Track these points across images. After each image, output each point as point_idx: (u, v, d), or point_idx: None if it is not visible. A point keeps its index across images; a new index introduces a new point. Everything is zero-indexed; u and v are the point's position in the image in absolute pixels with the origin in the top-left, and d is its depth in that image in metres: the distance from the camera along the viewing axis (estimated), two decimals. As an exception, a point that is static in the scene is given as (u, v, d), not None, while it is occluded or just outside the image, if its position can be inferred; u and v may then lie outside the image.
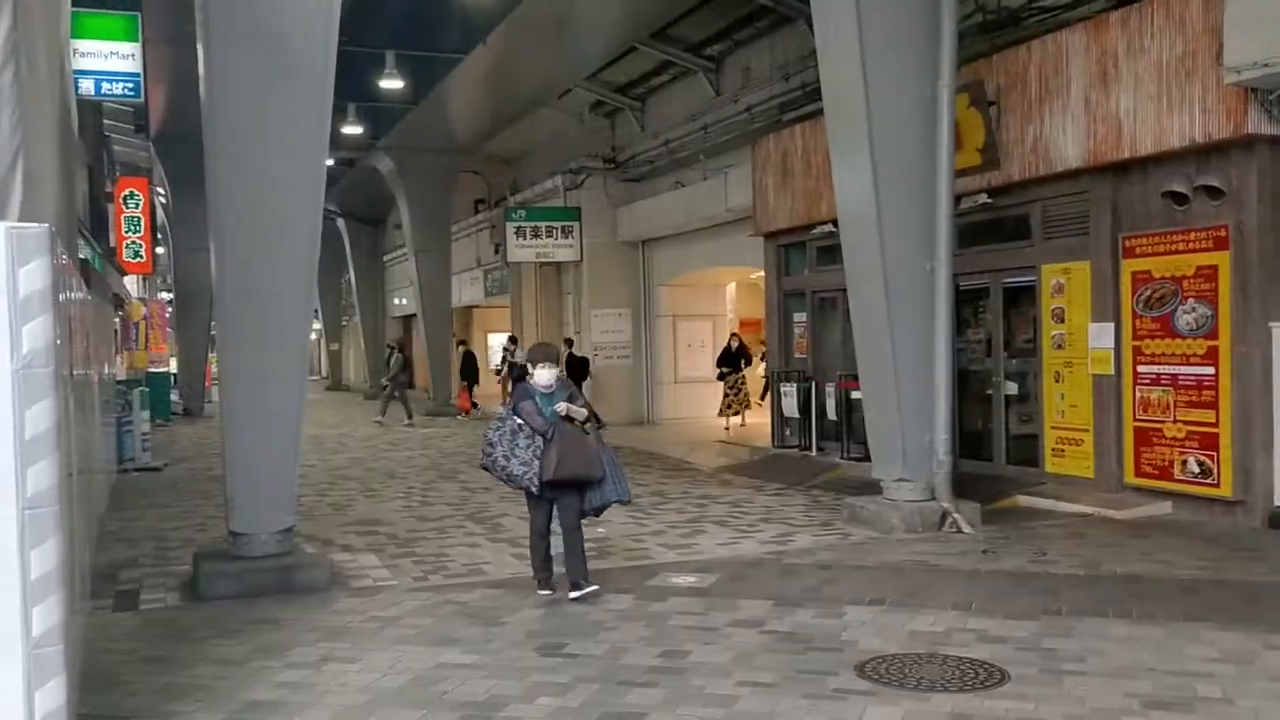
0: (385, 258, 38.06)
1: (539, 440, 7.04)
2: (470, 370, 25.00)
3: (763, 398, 21.83)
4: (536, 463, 7.00)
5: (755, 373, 19.23)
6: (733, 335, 19.65)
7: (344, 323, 44.17)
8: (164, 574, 8.31)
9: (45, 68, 5.15)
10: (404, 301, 35.08)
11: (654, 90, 20.09)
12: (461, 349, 25.24)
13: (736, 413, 18.78)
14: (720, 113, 17.16)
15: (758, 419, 18.88)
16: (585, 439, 7.14)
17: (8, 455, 3.67)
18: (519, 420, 7.10)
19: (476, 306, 31.26)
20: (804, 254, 15.13)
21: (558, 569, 7.35)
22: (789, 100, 15.26)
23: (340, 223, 36.27)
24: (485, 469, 7.37)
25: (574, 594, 7.07)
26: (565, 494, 7.14)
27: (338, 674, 5.64)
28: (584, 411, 7.23)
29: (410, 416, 22.63)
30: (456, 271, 28.23)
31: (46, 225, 3.86)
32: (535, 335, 23.54)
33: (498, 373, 25.56)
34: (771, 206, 15.14)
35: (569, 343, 21.95)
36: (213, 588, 7.51)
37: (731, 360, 18.74)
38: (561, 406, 7.12)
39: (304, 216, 7.81)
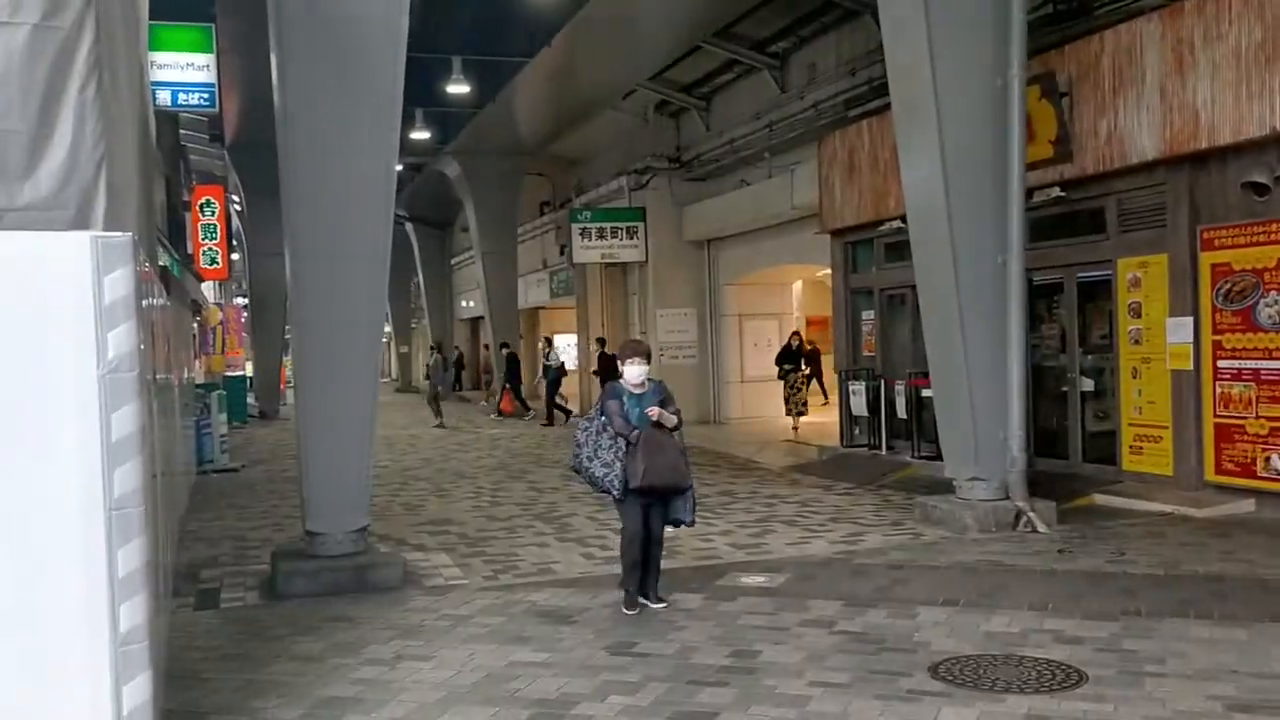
0: (453, 261, 38.49)
1: (622, 442, 6.70)
2: (514, 372, 25.18)
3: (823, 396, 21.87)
4: (618, 464, 6.66)
5: (803, 372, 19.15)
6: (794, 333, 19.55)
7: (413, 325, 44.75)
8: (243, 573, 8.50)
9: (126, 81, 5.28)
10: (471, 304, 35.43)
11: (719, 89, 20.01)
12: (505, 351, 25.43)
13: (800, 411, 18.67)
14: (785, 110, 17.02)
15: (822, 417, 18.74)
16: (673, 445, 6.75)
17: (96, 458, 3.78)
18: (605, 419, 6.81)
19: (543, 308, 31.46)
20: (871, 251, 14.99)
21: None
22: (855, 96, 15.11)
23: (409, 227, 36.77)
24: (575, 470, 7.07)
25: (641, 601, 6.96)
26: (657, 502, 6.82)
27: (412, 671, 5.72)
28: (674, 419, 6.84)
29: (439, 416, 23.20)
30: (523, 273, 28.45)
31: (129, 234, 3.96)
32: (601, 335, 23.62)
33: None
34: (838, 203, 15.03)
35: (601, 342, 22.09)
36: (290, 586, 7.66)
37: (792, 358, 18.67)
38: (653, 411, 6.71)
39: (376, 220, 7.93)
